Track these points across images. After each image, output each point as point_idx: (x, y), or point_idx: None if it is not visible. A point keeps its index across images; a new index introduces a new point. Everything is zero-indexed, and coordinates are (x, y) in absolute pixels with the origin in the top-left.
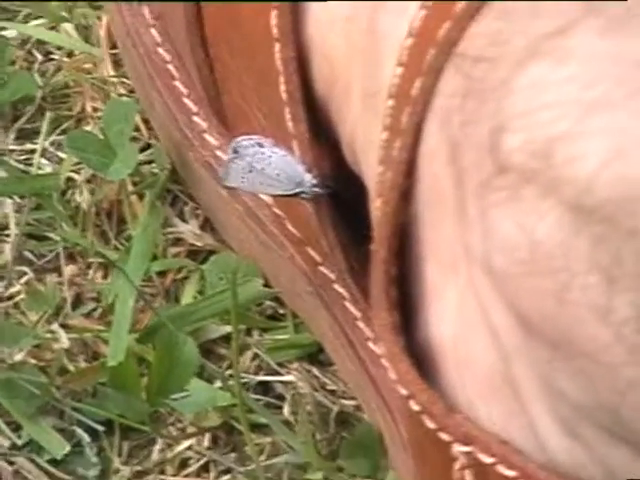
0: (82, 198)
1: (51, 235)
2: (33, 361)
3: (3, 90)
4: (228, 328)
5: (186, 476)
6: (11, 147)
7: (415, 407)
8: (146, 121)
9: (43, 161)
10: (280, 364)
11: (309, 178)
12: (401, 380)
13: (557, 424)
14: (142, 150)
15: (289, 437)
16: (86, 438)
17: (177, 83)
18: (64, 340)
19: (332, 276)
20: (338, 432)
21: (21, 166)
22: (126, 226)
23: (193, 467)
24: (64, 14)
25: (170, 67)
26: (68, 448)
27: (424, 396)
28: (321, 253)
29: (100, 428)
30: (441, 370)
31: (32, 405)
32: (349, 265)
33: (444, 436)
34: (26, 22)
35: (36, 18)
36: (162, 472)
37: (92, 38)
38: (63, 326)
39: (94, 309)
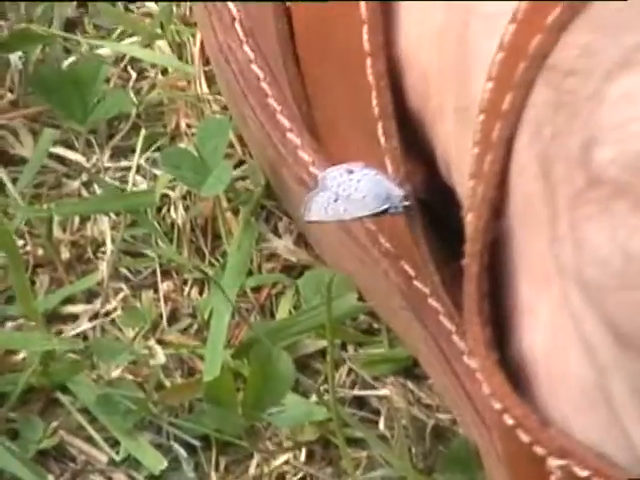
0: (177, 215)
1: (147, 252)
2: (130, 377)
3: (98, 108)
4: (323, 343)
5: None
6: (106, 165)
7: (509, 421)
8: (240, 138)
9: (138, 178)
10: (375, 378)
11: (398, 192)
12: (495, 394)
13: None
14: (236, 166)
15: (385, 451)
16: (183, 453)
17: (270, 100)
18: (160, 356)
19: (426, 290)
20: (434, 446)
21: (116, 183)
22: (221, 242)
23: None
24: (158, 31)
25: (263, 84)
26: (165, 464)
27: (518, 410)
28: (415, 267)
29: (197, 443)
30: (535, 384)
31: (129, 421)
32: (443, 279)
33: (539, 450)
34: (120, 40)
35: (130, 36)
36: None
37: (186, 55)
38: (159, 342)
39: (190, 325)
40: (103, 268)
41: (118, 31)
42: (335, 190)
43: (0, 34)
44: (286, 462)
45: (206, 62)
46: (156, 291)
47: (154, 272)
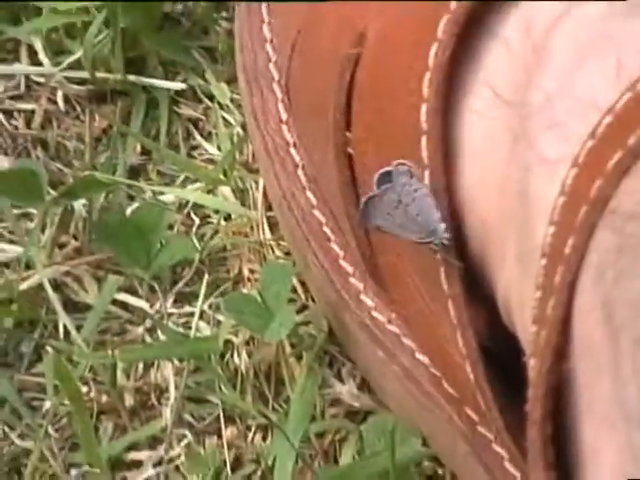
0: (240, 360)
1: (210, 398)
2: None
3: (162, 254)
4: None
5: None
6: (170, 310)
7: None
8: (303, 283)
9: (202, 324)
10: None
11: (442, 228)
12: None
13: None
14: (299, 311)
15: None
16: None
17: (332, 245)
18: None
19: (490, 436)
20: None
21: (180, 329)
22: (284, 388)
23: None
24: (221, 177)
25: (325, 229)
26: None
27: None
28: (478, 412)
29: None
30: None
31: None
32: (506, 424)
33: None
34: (184, 186)
35: (193, 182)
36: None
37: (249, 201)
38: None
39: (254, 471)
40: (167, 414)
41: (181, 177)
42: (399, 191)
43: (65, 181)
44: None
45: (268, 208)
46: (220, 437)
47: (218, 418)
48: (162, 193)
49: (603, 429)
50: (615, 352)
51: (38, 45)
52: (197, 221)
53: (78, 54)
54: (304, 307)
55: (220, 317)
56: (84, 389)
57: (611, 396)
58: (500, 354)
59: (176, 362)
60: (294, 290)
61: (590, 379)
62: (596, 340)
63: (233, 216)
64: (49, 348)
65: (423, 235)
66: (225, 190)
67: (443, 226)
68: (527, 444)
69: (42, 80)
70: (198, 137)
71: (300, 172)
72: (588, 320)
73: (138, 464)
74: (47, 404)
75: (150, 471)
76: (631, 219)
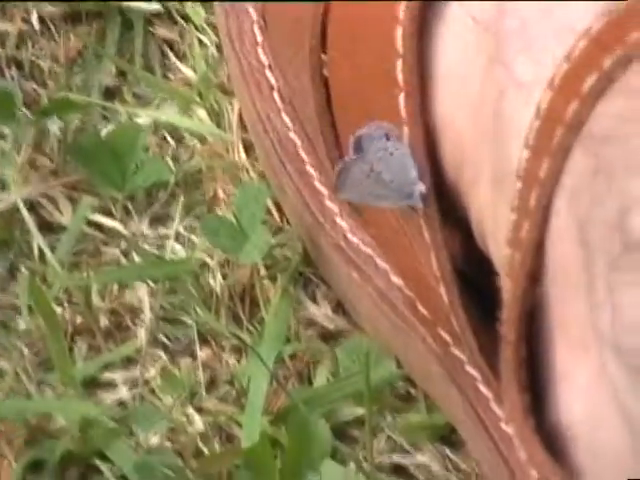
0: (215, 282)
1: (185, 319)
2: (168, 444)
3: (137, 176)
4: (361, 410)
5: None
6: (145, 232)
7: None
8: (278, 205)
9: (176, 246)
10: (413, 445)
11: (418, 190)
12: (532, 461)
13: None
14: (274, 233)
15: None
16: None
17: (308, 167)
18: (198, 423)
19: (463, 357)
20: None
21: (155, 251)
22: (259, 309)
23: None
24: (196, 99)
25: (301, 151)
26: None
27: (555, 478)
28: (452, 334)
29: None
30: (572, 451)
31: None
32: (480, 346)
33: None
34: (159, 108)
35: (169, 104)
36: None
37: (224, 123)
38: (197, 409)
39: (228, 392)
40: (141, 335)
41: (157, 99)
42: (370, 160)
43: (40, 102)
44: None
45: (244, 130)
46: (194, 358)
47: (192, 339)
48: (137, 115)
49: (576, 352)
50: (589, 274)
51: None
52: (172, 143)
53: None
54: (279, 229)
55: (195, 239)
56: (58, 310)
57: (585, 319)
58: (474, 276)
59: (151, 283)
60: (269, 212)
61: (564, 302)
62: (570, 263)
63: (208, 138)
64: (23, 269)
65: (398, 200)
66: (200, 112)
67: (419, 187)
68: (501, 366)
69: None
70: (173, 58)
71: (275, 94)
72: (562, 243)
73: (112, 385)
74: (21, 324)
75: (124, 392)
76: (606, 142)
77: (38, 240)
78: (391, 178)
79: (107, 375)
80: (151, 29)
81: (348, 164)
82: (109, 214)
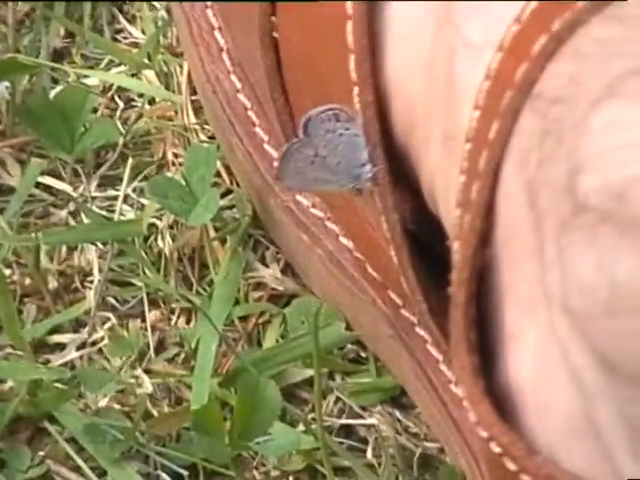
0: (164, 244)
1: (134, 281)
2: (117, 406)
3: (85, 137)
4: (310, 372)
5: None
6: (93, 194)
7: (496, 449)
8: (227, 167)
9: (125, 207)
10: (363, 407)
11: (367, 170)
12: (481, 422)
13: None
14: (223, 196)
15: None
16: None
17: (258, 129)
18: (147, 385)
19: (413, 319)
20: (421, 475)
21: (104, 213)
22: (208, 271)
23: None
24: (145, 61)
25: (250, 113)
26: None
27: (505, 438)
28: (402, 296)
29: (184, 472)
30: (521, 412)
31: (117, 450)
32: (430, 307)
33: (525, 478)
34: (108, 70)
35: (117, 65)
36: None
37: (173, 85)
38: (146, 371)
39: (177, 354)
40: (90, 297)
41: (105, 61)
42: (316, 144)
43: None
44: None
45: (193, 92)
46: (143, 320)
47: (141, 301)
48: (86, 76)
49: (526, 313)
50: (538, 235)
51: None
52: (121, 105)
53: None
54: (228, 191)
55: (144, 201)
56: (7, 272)
57: (534, 280)
58: (424, 238)
59: (100, 245)
60: (218, 174)
61: (514, 263)
62: (520, 224)
63: (157, 100)
64: None
65: (344, 183)
66: (149, 74)
67: (368, 168)
68: (450, 327)
69: None
70: (122, 20)
71: (225, 56)
72: (512, 204)
73: (61, 347)
74: None
75: (73, 353)
76: (555, 103)
77: None
78: (338, 161)
79: (56, 337)
80: None
81: (291, 150)
82: (58, 176)
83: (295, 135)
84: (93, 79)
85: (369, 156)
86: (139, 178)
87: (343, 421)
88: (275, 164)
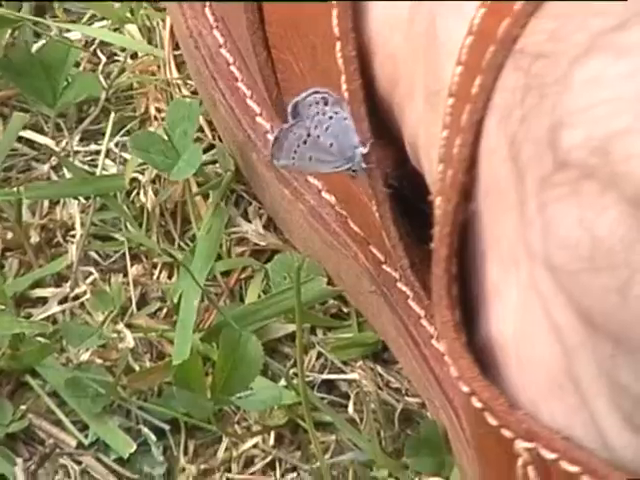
0: (146, 199)
1: (116, 236)
2: (99, 361)
3: (67, 92)
4: (292, 327)
5: (252, 474)
6: (76, 148)
7: (477, 404)
8: (210, 122)
9: (108, 162)
10: (344, 362)
11: (360, 152)
12: (462, 377)
13: (620, 419)
14: (206, 151)
15: (354, 435)
16: (152, 437)
17: (240, 84)
18: (129, 340)
19: (395, 275)
20: (403, 430)
21: (86, 167)
22: (190, 226)
23: (258, 465)
24: (128, 16)
25: (233, 68)
26: (134, 447)
27: (486, 393)
28: (384, 252)
29: (166, 427)
30: (503, 367)
31: (98, 404)
32: (412, 263)
33: (506, 433)
34: (90, 24)
35: (100, 20)
36: (228, 470)
37: (156, 40)
38: (128, 326)
39: (159, 309)
40: (72, 252)
41: (88, 15)
42: (308, 125)
43: None
44: (255, 446)
45: (176, 46)
46: (125, 275)
47: (123, 256)
48: (68, 30)
49: (507, 268)
50: (521, 191)
51: None
52: (103, 59)
53: None
54: (211, 146)
55: (126, 155)
56: None
57: (516, 235)
58: (407, 194)
59: (82, 200)
60: (201, 129)
61: (496, 218)
62: (502, 179)
63: (140, 54)
64: None
65: (339, 164)
66: (132, 28)
67: (360, 150)
68: (432, 282)
69: None
70: None
71: (207, 11)
72: (494, 160)
73: (43, 301)
74: None
75: (55, 307)
76: (537, 58)
77: None
78: (330, 142)
79: (38, 291)
80: None
81: (283, 131)
82: (40, 130)
83: (277, 88)
84: (76, 33)
85: (359, 136)
86: (121, 133)
87: (325, 376)
88: (270, 144)
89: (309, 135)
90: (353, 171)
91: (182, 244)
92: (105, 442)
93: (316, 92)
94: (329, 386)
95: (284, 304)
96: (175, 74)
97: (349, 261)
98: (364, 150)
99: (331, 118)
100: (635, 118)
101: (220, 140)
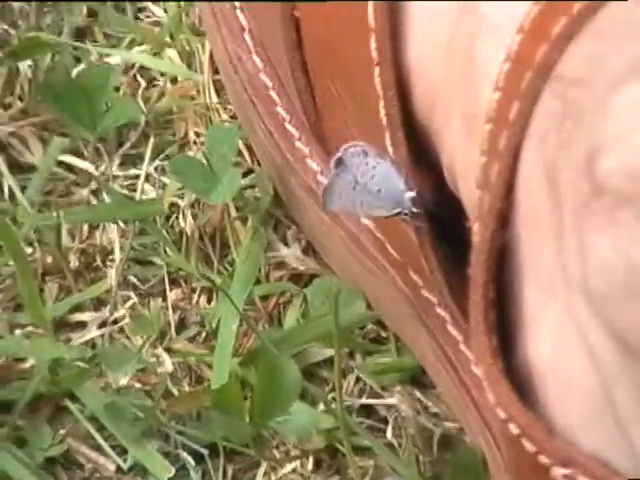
0: (186, 223)
1: (155, 260)
2: (138, 385)
3: (107, 116)
4: (330, 351)
5: None
6: (115, 173)
7: (514, 430)
8: (248, 146)
9: (147, 186)
10: (383, 387)
11: (408, 196)
12: (500, 403)
13: None
14: (245, 175)
15: (392, 460)
16: (191, 462)
17: (279, 109)
18: (168, 364)
19: (434, 299)
20: (441, 455)
21: (125, 191)
22: (229, 251)
23: None
24: (167, 40)
25: (272, 93)
26: (173, 472)
27: (523, 419)
28: (422, 276)
29: (204, 451)
30: (540, 393)
31: (137, 429)
32: (450, 288)
33: (543, 459)
34: (130, 48)
35: (140, 45)
36: None
37: (195, 64)
38: (167, 350)
39: (198, 333)
40: (112, 276)
41: (128, 40)
42: (354, 173)
43: (10, 42)
44: (293, 470)
45: (215, 71)
46: (164, 299)
47: (162, 280)
48: (108, 55)
49: (545, 294)
50: (557, 217)
51: None
52: (143, 83)
53: None
54: (250, 170)
55: (165, 180)
56: (29, 250)
57: (553, 261)
58: (445, 219)
59: (121, 224)
60: (240, 153)
61: (533, 244)
62: (539, 205)
63: (179, 79)
64: None
65: (389, 208)
66: (171, 53)
67: (409, 195)
68: (469, 308)
69: None
70: None
71: (247, 35)
72: (532, 186)
73: (82, 325)
74: None
75: (94, 332)
76: (575, 84)
77: (8, 180)
78: (379, 188)
79: (77, 316)
80: None
81: (333, 178)
82: (80, 154)
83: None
84: (115, 58)
85: (405, 180)
86: (161, 157)
87: (363, 401)
88: (320, 191)
89: (357, 182)
90: (405, 214)
91: (221, 268)
92: (144, 466)
93: (354, 145)
94: (367, 411)
95: (322, 328)
96: (214, 99)
97: (387, 286)
98: (412, 194)
99: (374, 167)
100: None
101: (259, 164)
